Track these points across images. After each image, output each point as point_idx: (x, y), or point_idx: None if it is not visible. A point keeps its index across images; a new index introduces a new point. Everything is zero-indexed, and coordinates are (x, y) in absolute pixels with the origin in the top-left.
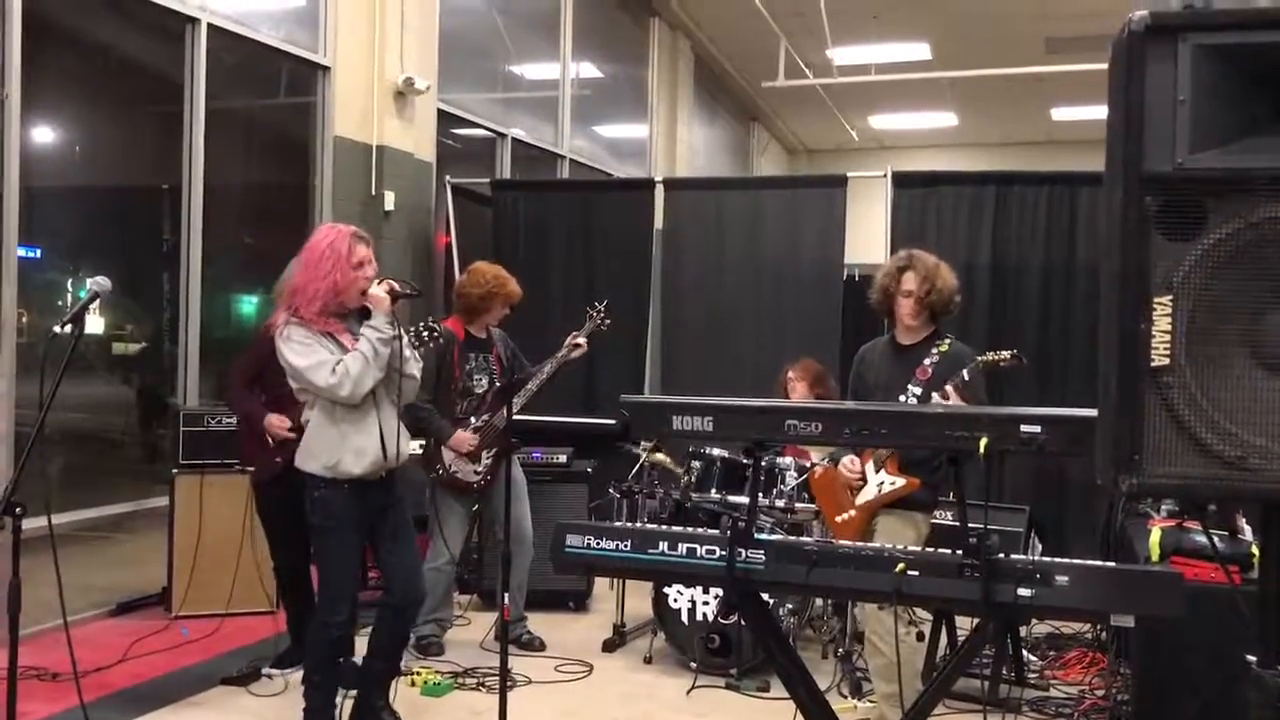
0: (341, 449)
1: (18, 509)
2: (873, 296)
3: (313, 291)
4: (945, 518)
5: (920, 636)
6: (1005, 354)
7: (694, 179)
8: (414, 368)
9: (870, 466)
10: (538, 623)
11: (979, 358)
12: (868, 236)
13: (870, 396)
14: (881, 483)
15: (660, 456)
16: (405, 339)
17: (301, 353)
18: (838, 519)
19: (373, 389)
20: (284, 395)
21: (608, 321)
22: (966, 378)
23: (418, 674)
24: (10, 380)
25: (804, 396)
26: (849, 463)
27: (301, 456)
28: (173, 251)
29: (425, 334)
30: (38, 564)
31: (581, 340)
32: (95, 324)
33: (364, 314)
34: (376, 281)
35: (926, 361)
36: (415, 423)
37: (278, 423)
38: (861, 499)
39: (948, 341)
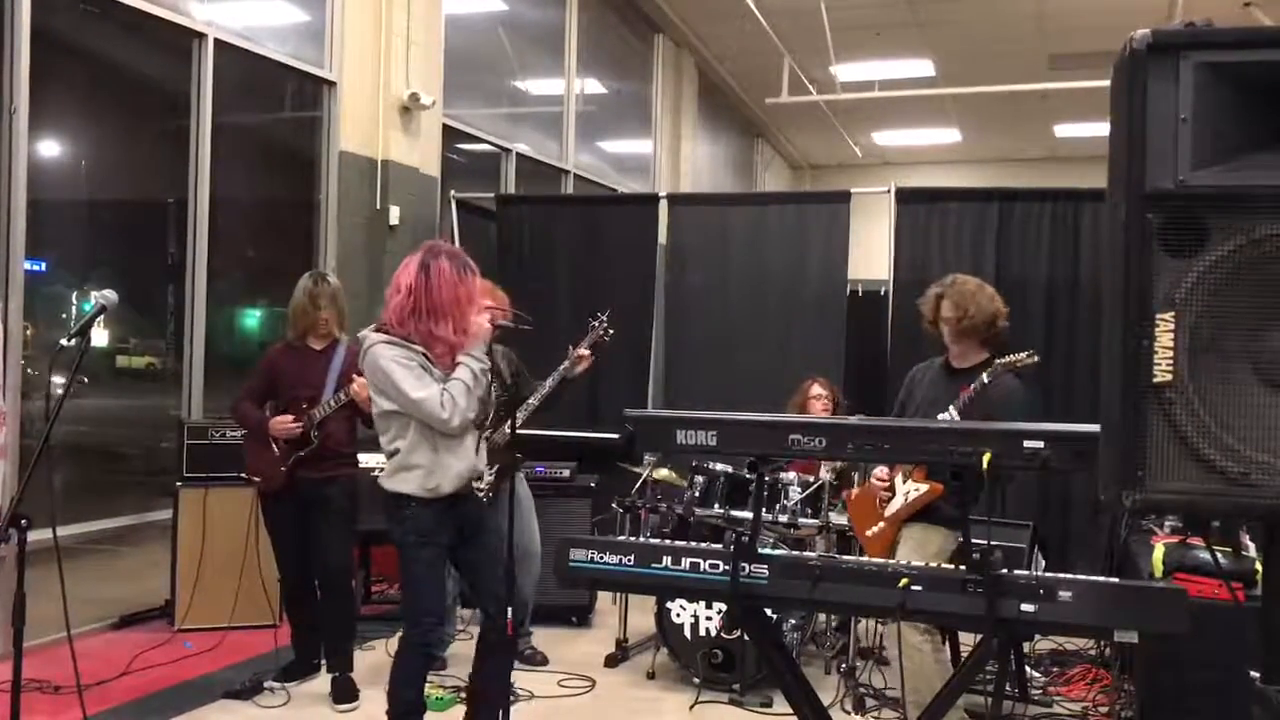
0: (440, 472)
1: (23, 521)
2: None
3: None
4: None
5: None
6: (1022, 355)
7: (698, 194)
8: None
9: (899, 477)
10: (540, 638)
11: (998, 360)
12: (871, 252)
13: (914, 415)
14: (909, 491)
15: (664, 472)
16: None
17: (415, 385)
18: (868, 533)
19: None
20: (296, 409)
21: (610, 332)
22: (986, 380)
23: None
24: (16, 393)
25: (823, 413)
26: (880, 472)
27: (396, 480)
28: (178, 265)
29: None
30: (41, 576)
31: (584, 351)
32: (100, 337)
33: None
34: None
35: (973, 386)
36: None
37: (281, 423)
38: (890, 510)
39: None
